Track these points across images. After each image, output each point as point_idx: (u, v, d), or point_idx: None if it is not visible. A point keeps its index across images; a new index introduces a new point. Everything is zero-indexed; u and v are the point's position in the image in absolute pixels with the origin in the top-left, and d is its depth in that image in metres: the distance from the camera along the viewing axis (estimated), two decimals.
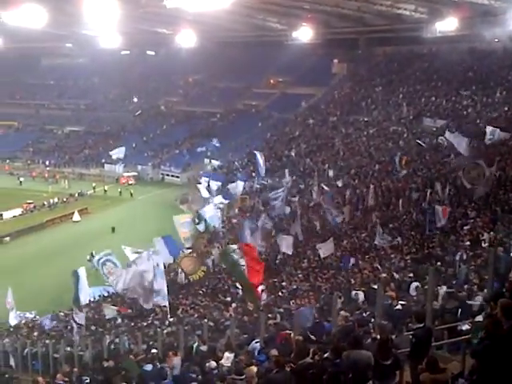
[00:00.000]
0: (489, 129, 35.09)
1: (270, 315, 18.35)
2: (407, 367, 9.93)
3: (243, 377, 9.78)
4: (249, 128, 73.13)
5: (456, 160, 34.58)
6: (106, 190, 66.62)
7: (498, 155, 31.69)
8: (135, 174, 72.18)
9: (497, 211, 24.17)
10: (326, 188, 40.82)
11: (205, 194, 51.49)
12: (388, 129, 55.35)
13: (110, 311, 29.13)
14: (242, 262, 18.37)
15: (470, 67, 60.15)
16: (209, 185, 53.01)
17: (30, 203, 60.37)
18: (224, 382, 10.14)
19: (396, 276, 19.81)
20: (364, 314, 14.83)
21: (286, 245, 30.67)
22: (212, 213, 43.39)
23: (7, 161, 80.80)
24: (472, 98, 53.45)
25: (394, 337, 10.47)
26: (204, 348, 15.01)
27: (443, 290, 14.48)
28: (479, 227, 22.91)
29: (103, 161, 76.52)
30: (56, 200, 62.17)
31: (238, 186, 49.00)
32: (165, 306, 26.60)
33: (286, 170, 49.94)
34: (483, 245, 19.92)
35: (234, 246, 18.80)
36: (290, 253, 30.82)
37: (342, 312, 13.77)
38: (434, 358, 7.69)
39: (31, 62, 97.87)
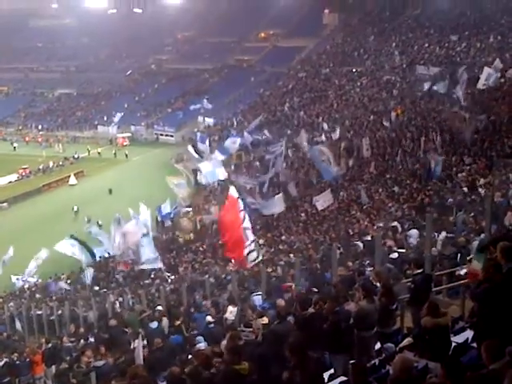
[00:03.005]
0: (485, 71, 34.75)
1: (270, 269, 18.57)
2: (408, 313, 10.12)
3: (251, 329, 9.96)
4: (241, 84, 72.47)
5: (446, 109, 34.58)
6: (99, 153, 66.15)
7: (492, 100, 31.63)
8: (129, 134, 71.61)
9: (492, 156, 24.21)
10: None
11: (195, 155, 50.88)
12: (381, 78, 54.98)
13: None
14: None
15: (463, 13, 59.40)
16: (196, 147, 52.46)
17: (25, 168, 60.15)
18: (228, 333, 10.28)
19: (394, 225, 19.92)
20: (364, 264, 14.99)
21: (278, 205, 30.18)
22: (209, 169, 43.11)
23: None
24: (465, 44, 52.96)
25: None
26: (207, 303, 15.21)
27: (442, 236, 14.61)
28: (475, 173, 22.98)
29: (96, 122, 75.90)
30: (51, 164, 61.93)
31: (235, 142, 48.35)
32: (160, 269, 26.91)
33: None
34: (480, 190, 20.00)
35: None
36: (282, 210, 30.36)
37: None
38: (434, 303, 7.82)
39: (18, 24, 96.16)
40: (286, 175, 36.09)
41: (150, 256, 25.28)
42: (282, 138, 45.27)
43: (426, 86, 42.09)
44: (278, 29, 79.63)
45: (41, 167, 61.28)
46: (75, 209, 46.48)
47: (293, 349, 6.68)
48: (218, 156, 44.98)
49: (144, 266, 26.38)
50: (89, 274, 27.50)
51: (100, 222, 40.30)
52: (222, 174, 41.75)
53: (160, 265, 26.41)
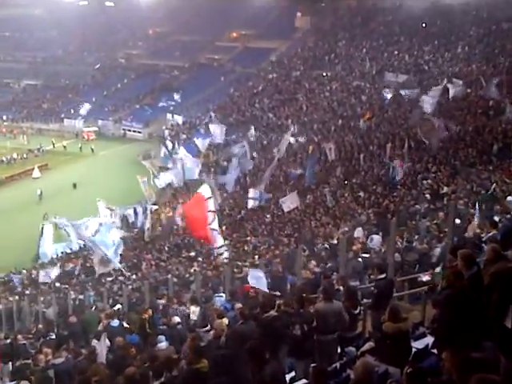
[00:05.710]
0: (451, 86, 35.41)
1: (235, 270, 18.55)
2: (369, 318, 10.21)
3: (208, 328, 9.93)
4: (211, 83, 72.20)
5: (412, 115, 34.99)
6: (65, 146, 65.09)
7: (458, 110, 32.18)
8: (96, 129, 70.64)
9: (456, 165, 24.65)
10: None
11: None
12: (351, 83, 55.42)
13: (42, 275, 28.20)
14: None
15: (433, 22, 60.31)
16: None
17: None
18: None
19: (359, 230, 20.11)
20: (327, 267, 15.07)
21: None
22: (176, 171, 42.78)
23: None
24: (434, 54, 53.80)
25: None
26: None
27: (405, 242, 14.79)
28: (440, 181, 23.34)
29: (62, 116, 74.67)
30: (15, 156, 60.82)
31: (204, 143, 48.22)
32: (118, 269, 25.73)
33: (252, 127, 49.86)
34: (444, 199, 20.32)
35: None
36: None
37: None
38: (395, 308, 7.90)
39: None
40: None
41: (100, 257, 23.45)
42: (243, 140, 45.43)
43: (389, 95, 42.35)
44: (249, 29, 79.57)
45: (4, 159, 60.12)
46: (39, 192, 46.86)
47: (252, 353, 6.68)
48: (185, 155, 44.64)
49: (99, 271, 24.43)
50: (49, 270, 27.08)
51: (57, 217, 39.80)
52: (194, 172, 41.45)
53: (112, 266, 24.49)
